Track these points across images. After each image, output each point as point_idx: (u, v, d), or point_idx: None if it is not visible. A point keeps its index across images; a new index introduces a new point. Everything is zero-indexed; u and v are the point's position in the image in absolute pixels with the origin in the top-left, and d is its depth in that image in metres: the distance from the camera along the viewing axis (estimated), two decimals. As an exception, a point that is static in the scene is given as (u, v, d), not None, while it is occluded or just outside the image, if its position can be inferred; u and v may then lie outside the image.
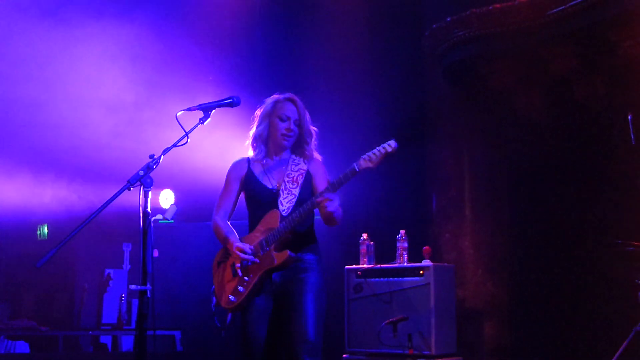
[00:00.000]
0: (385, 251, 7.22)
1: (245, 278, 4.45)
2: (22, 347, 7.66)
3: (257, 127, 4.69)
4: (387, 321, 6.65)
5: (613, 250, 5.87)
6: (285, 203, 4.50)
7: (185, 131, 4.07)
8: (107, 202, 3.90)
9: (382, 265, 7.00)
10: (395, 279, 6.83)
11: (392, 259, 7.06)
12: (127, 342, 7.64)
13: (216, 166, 9.00)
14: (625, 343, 5.81)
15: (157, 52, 8.60)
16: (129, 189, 3.91)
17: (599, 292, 6.97)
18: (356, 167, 4.32)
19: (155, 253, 7.19)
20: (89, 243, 7.87)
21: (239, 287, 4.45)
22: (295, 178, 4.59)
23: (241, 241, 4.57)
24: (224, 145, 8.76)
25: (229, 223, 4.75)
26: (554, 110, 7.62)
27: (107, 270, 8.59)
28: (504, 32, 7.34)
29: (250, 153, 4.77)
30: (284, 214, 4.46)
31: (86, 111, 8.30)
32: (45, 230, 8.87)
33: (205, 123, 4.21)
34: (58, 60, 8.20)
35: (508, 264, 7.85)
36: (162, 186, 8.68)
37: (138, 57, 8.43)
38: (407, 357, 6.64)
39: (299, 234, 4.51)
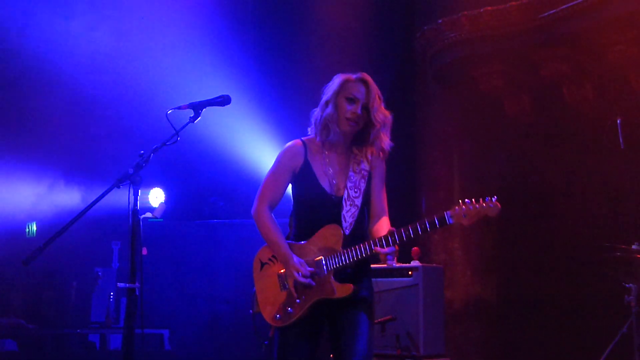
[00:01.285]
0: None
1: (297, 300, 3.91)
2: (11, 345, 7.63)
3: (325, 107, 4.02)
4: (375, 321, 6.65)
5: (601, 254, 5.89)
6: (348, 217, 3.95)
7: (175, 129, 4.00)
8: (95, 200, 3.89)
9: (371, 266, 7.00)
10: (384, 279, 6.82)
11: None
12: (116, 341, 7.62)
13: (207, 165, 9.08)
14: (611, 345, 5.84)
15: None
16: (118, 187, 3.88)
17: (586, 294, 7.01)
18: (447, 218, 3.79)
19: (144, 251, 7.15)
20: (77, 241, 7.83)
21: (289, 308, 3.92)
22: (357, 183, 4.01)
23: (291, 249, 3.99)
24: (215, 143, 8.79)
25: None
26: (544, 114, 7.65)
27: (96, 269, 8.57)
28: (495, 34, 7.38)
29: (304, 140, 4.14)
30: (346, 232, 3.92)
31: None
32: (34, 228, 8.84)
33: (195, 121, 4.15)
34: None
35: (497, 266, 7.87)
36: (153, 184, 8.66)
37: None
38: (395, 357, 6.64)
39: (360, 262, 3.93)
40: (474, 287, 7.84)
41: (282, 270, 4.00)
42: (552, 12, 6.92)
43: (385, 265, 3.92)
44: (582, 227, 7.23)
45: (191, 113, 4.14)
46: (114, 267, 8.70)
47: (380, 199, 4.14)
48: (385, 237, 3.82)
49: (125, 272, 3.84)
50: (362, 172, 4.04)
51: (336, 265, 3.87)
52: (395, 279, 6.81)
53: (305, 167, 4.04)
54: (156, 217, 8.36)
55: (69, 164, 8.63)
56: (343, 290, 3.87)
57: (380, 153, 4.08)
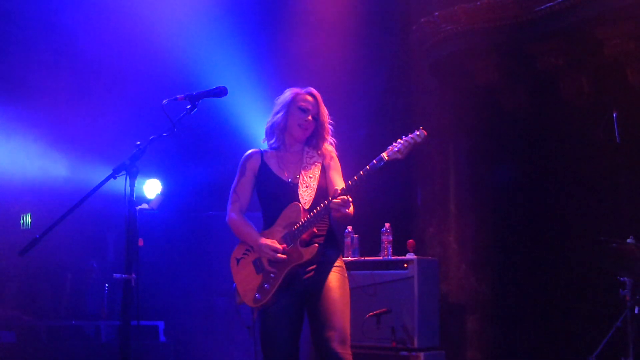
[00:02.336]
0: (369, 244, 7.23)
1: (272, 275, 4.29)
2: (7, 337, 7.61)
3: (274, 116, 4.56)
4: (370, 314, 6.67)
5: (597, 248, 5.90)
6: (306, 196, 4.38)
7: (172, 120, 4.01)
8: (91, 191, 3.89)
9: (366, 258, 7.02)
10: (379, 271, 6.84)
11: (377, 251, 7.07)
12: (110, 332, 7.61)
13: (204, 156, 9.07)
14: (606, 339, 5.85)
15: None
16: (115, 178, 3.88)
17: (581, 288, 7.03)
18: (384, 157, 4.18)
19: (140, 242, 7.16)
20: (72, 232, 7.82)
21: (265, 285, 4.29)
22: (311, 170, 4.49)
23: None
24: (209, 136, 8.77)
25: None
26: (540, 107, 7.65)
27: (91, 260, 8.55)
28: (492, 27, 7.36)
29: (263, 146, 4.66)
30: (305, 206, 4.33)
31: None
32: (29, 219, 8.82)
33: (192, 113, 4.15)
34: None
35: (492, 259, 7.89)
36: (149, 175, 8.65)
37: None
38: (390, 350, 6.66)
39: (322, 228, 4.38)
40: (469, 280, 7.85)
41: (256, 257, 4.38)
42: (548, 5, 6.90)
43: (347, 215, 4.23)
44: (578, 220, 7.25)
45: (188, 104, 4.14)
46: (109, 259, 8.69)
47: (339, 184, 4.49)
48: (334, 195, 4.18)
49: (120, 264, 3.84)
50: (315, 163, 4.52)
51: (300, 233, 4.26)
52: (390, 271, 6.83)
53: (262, 166, 4.52)
54: (152, 208, 8.35)
55: (62, 132, 8.55)
56: (309, 251, 4.25)
57: (329, 153, 4.58)
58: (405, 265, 6.76)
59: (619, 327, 5.76)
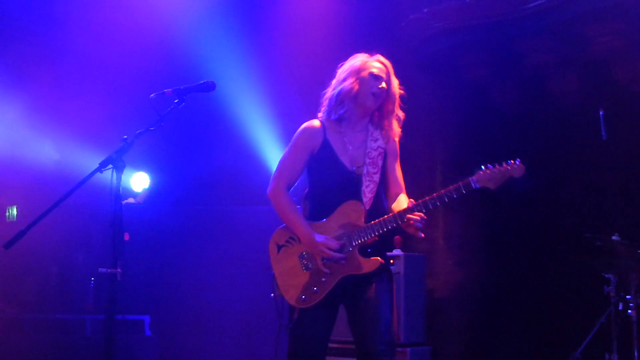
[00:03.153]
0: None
1: (323, 279, 3.87)
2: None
3: (342, 83, 4.02)
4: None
5: (582, 244, 5.93)
6: (368, 193, 3.94)
7: (159, 115, 3.98)
8: (78, 184, 3.86)
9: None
10: (366, 267, 6.84)
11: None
12: (96, 326, 7.58)
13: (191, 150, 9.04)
14: (590, 335, 5.88)
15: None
16: (101, 172, 3.85)
17: (566, 284, 7.05)
18: (472, 183, 3.85)
19: (127, 237, 7.14)
20: (58, 225, 7.79)
21: (314, 288, 3.87)
22: (375, 159, 4.01)
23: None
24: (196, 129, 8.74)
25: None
26: (528, 104, 7.67)
27: (77, 254, 8.52)
28: (480, 24, 7.38)
29: (321, 120, 4.11)
30: (367, 207, 3.91)
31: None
32: (14, 211, 8.78)
33: (180, 107, 4.11)
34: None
35: (478, 255, 7.90)
36: (137, 168, 8.61)
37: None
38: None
39: (386, 235, 3.93)
40: (455, 276, 7.87)
41: (303, 250, 3.96)
42: (537, 2, 6.93)
43: (415, 235, 3.83)
44: (564, 217, 7.27)
45: (175, 98, 4.11)
46: (94, 252, 8.66)
47: (397, 177, 4.15)
48: (411, 207, 3.81)
49: (106, 257, 3.79)
50: (379, 149, 4.04)
51: (362, 240, 3.85)
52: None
53: (324, 145, 4.02)
54: (138, 202, 8.32)
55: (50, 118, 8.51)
56: (370, 264, 3.86)
57: (395, 133, 4.14)
58: (392, 261, 6.76)
59: (604, 324, 5.79)
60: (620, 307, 5.64)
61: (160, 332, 7.60)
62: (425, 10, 7.69)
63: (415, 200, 3.85)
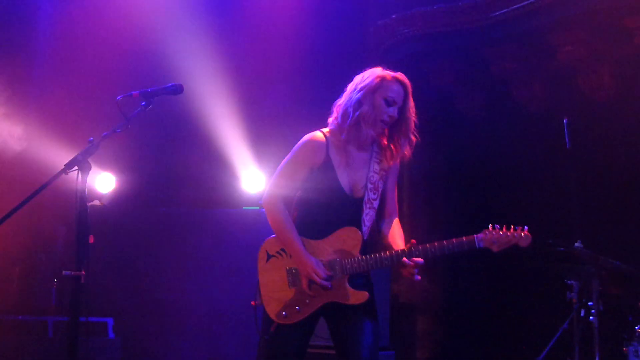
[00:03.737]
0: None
1: (307, 300, 3.77)
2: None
3: (358, 105, 3.82)
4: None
5: (545, 251, 5.99)
6: (367, 221, 3.83)
7: (125, 117, 3.95)
8: (42, 186, 3.83)
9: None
10: (332, 272, 6.84)
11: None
12: (58, 328, 7.51)
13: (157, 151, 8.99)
14: (553, 340, 5.94)
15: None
16: (66, 173, 3.82)
17: (529, 290, 7.12)
18: (476, 242, 3.80)
19: (91, 239, 7.07)
20: (21, 225, 7.70)
21: (297, 307, 3.76)
22: (376, 184, 3.87)
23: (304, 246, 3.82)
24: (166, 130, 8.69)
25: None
26: (493, 111, 7.75)
27: (39, 254, 8.44)
28: (448, 32, 7.44)
29: (325, 133, 3.94)
30: (365, 237, 3.80)
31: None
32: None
33: (147, 110, 4.08)
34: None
35: (442, 260, 7.93)
36: (102, 169, 8.54)
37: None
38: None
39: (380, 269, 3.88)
40: (419, 281, 7.89)
41: (292, 265, 3.84)
42: (503, 11, 7.00)
43: (410, 279, 3.79)
44: (527, 223, 7.30)
45: (142, 100, 4.09)
46: (58, 253, 8.57)
47: (393, 198, 4.04)
48: (411, 252, 3.72)
49: (70, 258, 3.73)
50: (382, 172, 3.91)
51: (354, 271, 3.75)
52: (342, 271, 6.83)
53: (326, 163, 3.85)
54: (104, 204, 8.25)
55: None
56: (357, 297, 3.77)
57: (402, 156, 3.95)
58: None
59: (566, 329, 5.85)
60: (583, 314, 5.70)
61: (124, 334, 7.54)
62: (394, 16, 7.74)
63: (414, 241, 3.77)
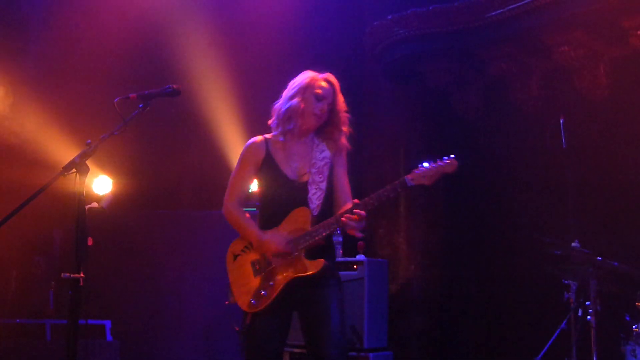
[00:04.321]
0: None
1: (271, 283, 4.03)
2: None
3: (289, 100, 4.23)
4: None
5: (542, 251, 6.00)
6: (315, 200, 4.10)
7: (123, 119, 3.95)
8: (40, 189, 3.83)
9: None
10: (329, 273, 6.84)
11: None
12: (56, 331, 7.50)
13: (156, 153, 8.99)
14: (551, 340, 5.95)
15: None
16: (64, 176, 3.82)
17: (527, 290, 7.13)
18: (407, 180, 3.97)
19: (90, 241, 7.08)
20: (18, 228, 7.70)
21: (262, 291, 4.02)
22: (320, 168, 4.18)
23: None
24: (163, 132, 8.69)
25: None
26: (489, 111, 7.76)
27: (37, 257, 8.43)
28: (444, 32, 7.44)
29: (265, 136, 4.31)
30: (314, 213, 4.07)
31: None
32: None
33: (144, 112, 4.09)
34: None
35: (440, 260, 7.96)
36: (99, 172, 8.54)
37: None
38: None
39: (327, 239, 4.12)
40: (417, 280, 7.92)
41: (255, 258, 4.13)
42: (499, 11, 7.01)
43: (354, 235, 3.99)
44: (525, 223, 7.35)
45: (140, 103, 4.09)
46: (55, 256, 8.57)
47: (344, 186, 4.29)
48: (350, 208, 3.95)
49: (67, 261, 3.73)
50: (325, 159, 4.23)
51: (307, 243, 4.01)
52: (340, 272, 6.83)
53: (267, 159, 4.22)
54: (102, 207, 8.25)
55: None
56: (314, 265, 3.99)
57: (341, 148, 4.30)
58: (355, 267, 6.79)
59: (564, 329, 5.86)
60: (580, 314, 5.71)
61: (122, 336, 7.55)
62: (390, 17, 7.74)
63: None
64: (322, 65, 8.74)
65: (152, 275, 7.75)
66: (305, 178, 4.17)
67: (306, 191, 4.13)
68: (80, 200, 3.76)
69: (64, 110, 8.34)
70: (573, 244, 5.81)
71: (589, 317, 5.63)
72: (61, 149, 8.05)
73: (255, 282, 4.08)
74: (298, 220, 4.07)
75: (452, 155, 4.01)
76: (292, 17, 8.67)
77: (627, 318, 5.58)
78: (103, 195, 8.38)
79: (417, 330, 7.81)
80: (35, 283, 8.25)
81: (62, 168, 3.79)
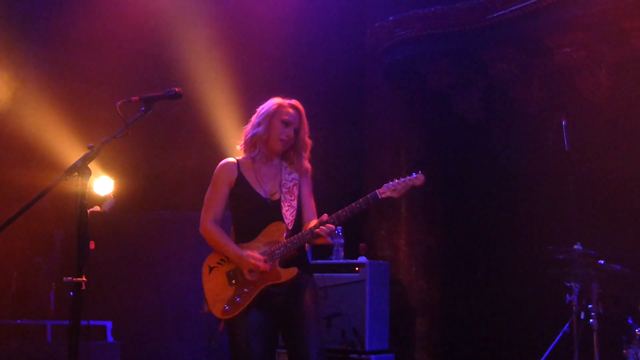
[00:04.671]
0: (321, 247, 7.24)
1: (245, 290, 4.25)
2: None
3: (256, 126, 4.45)
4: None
5: (544, 254, 6.00)
6: (289, 216, 4.34)
7: (125, 122, 3.95)
8: (42, 192, 3.82)
9: (318, 261, 7.02)
10: (331, 274, 6.86)
11: (328, 254, 7.09)
12: (57, 332, 7.50)
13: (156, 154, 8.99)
14: (553, 343, 5.94)
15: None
16: (66, 180, 3.82)
17: (529, 293, 7.13)
18: (378, 194, 4.18)
19: (92, 245, 7.07)
20: (18, 229, 7.70)
21: (237, 298, 4.23)
22: (290, 189, 4.43)
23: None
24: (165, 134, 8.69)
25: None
26: (491, 113, 7.75)
27: (37, 259, 8.42)
28: (445, 33, 7.43)
29: (235, 156, 4.56)
30: (289, 227, 4.31)
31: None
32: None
33: (147, 115, 4.09)
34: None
35: (441, 262, 7.96)
36: (100, 172, 8.53)
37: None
38: (340, 352, 6.68)
39: (301, 251, 4.35)
40: (418, 282, 7.92)
41: (230, 269, 4.32)
42: (500, 13, 7.00)
43: (329, 244, 4.26)
44: (526, 225, 7.35)
45: (142, 105, 4.09)
46: (55, 257, 8.56)
47: (310, 206, 4.52)
48: (324, 220, 4.17)
49: (68, 262, 3.74)
50: (294, 180, 4.46)
51: (281, 253, 4.22)
52: (341, 274, 6.85)
53: (240, 179, 4.43)
54: (104, 211, 8.23)
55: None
56: (288, 273, 4.22)
57: (305, 170, 4.52)
58: (357, 268, 6.79)
59: (567, 333, 5.86)
60: (582, 316, 5.71)
61: (123, 338, 7.54)
62: (391, 18, 7.73)
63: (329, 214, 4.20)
64: (323, 68, 8.78)
65: (153, 275, 7.74)
66: (276, 197, 4.39)
67: (280, 208, 4.35)
68: (82, 204, 3.75)
69: (66, 112, 8.34)
70: (575, 247, 5.80)
71: (591, 320, 5.65)
72: (64, 150, 8.05)
73: (230, 291, 4.28)
74: (274, 234, 4.29)
75: (420, 172, 4.30)
76: (293, 18, 8.66)
77: (630, 321, 5.58)
78: (105, 198, 8.36)
79: (418, 332, 7.81)
80: (36, 284, 8.23)
81: (65, 171, 3.79)
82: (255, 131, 4.45)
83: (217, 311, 4.28)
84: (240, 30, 8.86)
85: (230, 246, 4.34)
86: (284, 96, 4.57)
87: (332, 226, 4.14)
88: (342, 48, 8.75)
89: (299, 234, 4.23)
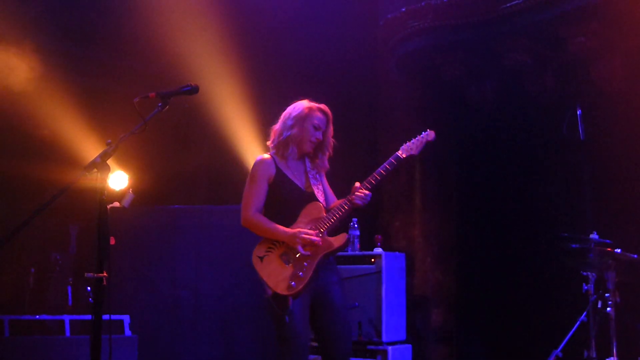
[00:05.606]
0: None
1: (305, 264, 4.52)
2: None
3: (290, 129, 4.81)
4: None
5: (560, 243, 6.00)
6: (322, 200, 4.74)
7: (143, 118, 3.98)
8: (62, 190, 3.85)
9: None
10: (347, 266, 6.88)
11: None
12: (74, 327, 7.54)
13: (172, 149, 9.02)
14: (570, 332, 5.95)
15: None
16: (85, 176, 3.85)
17: (545, 282, 7.13)
18: (400, 155, 4.63)
19: (112, 241, 7.11)
20: (36, 225, 7.75)
21: (299, 272, 4.50)
22: (317, 183, 4.83)
23: None
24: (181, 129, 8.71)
25: None
26: (505, 103, 7.74)
27: (54, 254, 8.47)
28: (458, 24, 7.42)
29: (270, 154, 4.87)
30: (325, 205, 4.73)
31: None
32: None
33: (163, 110, 4.12)
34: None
35: (456, 252, 7.98)
36: (115, 167, 8.57)
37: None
38: (357, 344, 6.71)
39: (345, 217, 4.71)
40: (434, 273, 7.93)
41: (281, 251, 4.59)
42: (514, 3, 6.98)
43: (364, 207, 4.65)
44: (542, 214, 7.35)
45: (159, 101, 4.12)
46: (71, 252, 8.61)
47: (333, 197, 4.92)
48: (357, 187, 4.57)
49: (84, 257, 3.76)
50: (317, 177, 4.88)
51: (328, 225, 4.58)
52: (358, 266, 6.87)
53: (279, 174, 4.78)
54: (124, 207, 8.25)
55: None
56: (338, 239, 4.59)
57: (325, 167, 4.94)
58: (373, 260, 6.81)
59: (584, 322, 5.86)
60: (599, 305, 5.71)
61: (140, 331, 7.58)
62: (403, 9, 7.73)
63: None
64: (336, 60, 8.77)
65: (170, 269, 7.77)
66: (310, 189, 4.78)
67: (314, 195, 4.75)
68: (102, 200, 3.79)
69: (84, 108, 8.38)
70: (591, 236, 5.80)
71: (608, 308, 5.64)
72: (81, 146, 8.09)
73: (289, 269, 4.53)
74: (313, 212, 4.67)
75: (428, 130, 4.82)
76: (306, 11, 8.66)
77: (647, 309, 5.58)
78: (124, 194, 8.39)
79: (434, 322, 7.83)
80: (53, 279, 8.29)
81: (84, 168, 3.82)
82: (289, 133, 4.80)
83: (282, 289, 4.47)
84: (253, 26, 8.87)
85: (280, 229, 4.61)
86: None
87: (366, 191, 4.53)
88: (355, 40, 8.74)
89: (337, 201, 4.70)
